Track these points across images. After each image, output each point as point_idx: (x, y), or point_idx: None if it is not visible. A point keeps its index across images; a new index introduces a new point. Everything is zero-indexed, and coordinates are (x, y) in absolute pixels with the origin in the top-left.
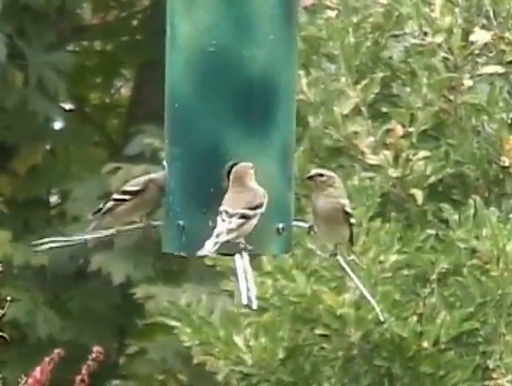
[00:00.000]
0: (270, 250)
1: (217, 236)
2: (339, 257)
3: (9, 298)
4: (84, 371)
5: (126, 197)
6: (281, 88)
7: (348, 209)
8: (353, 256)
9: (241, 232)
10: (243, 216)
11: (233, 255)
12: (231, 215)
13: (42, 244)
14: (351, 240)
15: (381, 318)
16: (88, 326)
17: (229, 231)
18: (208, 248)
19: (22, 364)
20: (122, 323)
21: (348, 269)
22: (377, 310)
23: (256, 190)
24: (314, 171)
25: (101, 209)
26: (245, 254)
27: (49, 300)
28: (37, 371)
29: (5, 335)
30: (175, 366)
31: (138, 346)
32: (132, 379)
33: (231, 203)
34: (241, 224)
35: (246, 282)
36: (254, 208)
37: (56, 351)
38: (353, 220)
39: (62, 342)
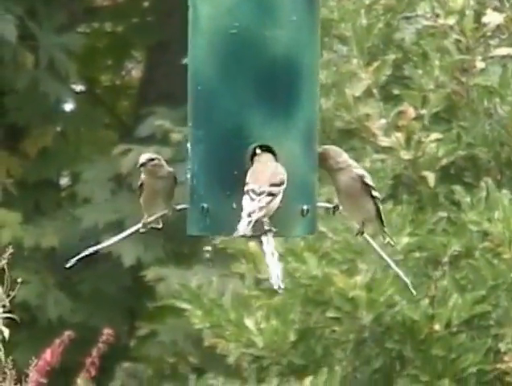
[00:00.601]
0: (295, 232)
1: (249, 215)
2: (366, 235)
3: (19, 280)
4: (94, 353)
5: (138, 192)
6: (304, 68)
7: (368, 181)
8: (388, 239)
9: (269, 210)
10: (270, 194)
11: (258, 237)
12: (259, 193)
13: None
14: (380, 218)
15: (414, 292)
16: (98, 309)
17: (260, 208)
18: (244, 227)
19: (32, 346)
20: (133, 306)
21: (376, 246)
22: (408, 283)
23: (277, 167)
24: (323, 147)
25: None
26: (270, 236)
27: (59, 282)
28: (47, 353)
29: (15, 317)
30: (186, 348)
31: (149, 328)
32: (142, 362)
33: (255, 180)
34: (269, 202)
35: (273, 264)
36: (279, 185)
37: (67, 333)
38: (375, 193)
39: (72, 325)
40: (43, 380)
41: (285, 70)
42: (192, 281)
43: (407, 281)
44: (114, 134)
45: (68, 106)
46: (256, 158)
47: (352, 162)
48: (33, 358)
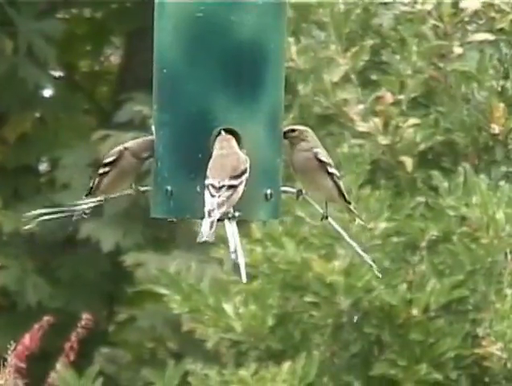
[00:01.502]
0: (258, 216)
1: (210, 214)
2: (330, 219)
3: None
4: (73, 338)
5: (106, 169)
6: (270, 53)
7: (323, 157)
8: (358, 219)
9: (230, 203)
10: (230, 187)
11: (221, 221)
12: (219, 188)
13: (33, 215)
14: (342, 196)
15: (379, 275)
16: (77, 294)
17: (220, 205)
18: (207, 230)
19: (11, 331)
20: (112, 291)
21: (340, 230)
22: (374, 267)
23: (239, 154)
24: (286, 128)
25: (92, 188)
26: (233, 221)
27: (38, 267)
28: (26, 338)
29: None
30: (165, 334)
31: (128, 313)
32: (121, 347)
33: (216, 172)
34: (230, 195)
35: (235, 249)
36: (240, 176)
37: (46, 318)
38: (332, 170)
39: (51, 310)
40: (22, 365)
41: (250, 54)
42: (171, 267)
43: (373, 264)
44: (93, 120)
45: (47, 92)
46: (217, 145)
47: (313, 143)
48: (12, 343)
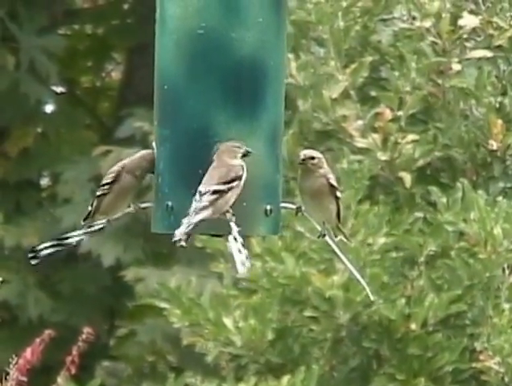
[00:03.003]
0: (258, 231)
1: (189, 217)
2: (327, 238)
3: (0, 280)
4: (74, 351)
5: (105, 190)
6: (270, 70)
7: (334, 182)
8: (340, 236)
9: (217, 208)
10: (215, 192)
11: (221, 236)
12: (203, 194)
13: (38, 250)
14: (338, 217)
15: (372, 298)
16: (78, 308)
17: (201, 209)
18: (181, 231)
19: (12, 345)
20: (112, 305)
21: (337, 250)
22: (367, 289)
23: (232, 165)
24: (304, 154)
25: (90, 212)
26: (235, 231)
27: (40, 281)
28: (28, 352)
29: None
30: (165, 347)
31: (128, 328)
32: (122, 361)
33: (205, 181)
34: (214, 200)
35: (239, 252)
36: (229, 182)
37: (47, 332)
38: (339, 194)
39: (52, 324)
40: (24, 379)
41: (251, 71)
42: (171, 281)
43: (365, 285)
44: (95, 135)
45: (49, 107)
46: (217, 153)
47: (327, 167)
48: (13, 356)
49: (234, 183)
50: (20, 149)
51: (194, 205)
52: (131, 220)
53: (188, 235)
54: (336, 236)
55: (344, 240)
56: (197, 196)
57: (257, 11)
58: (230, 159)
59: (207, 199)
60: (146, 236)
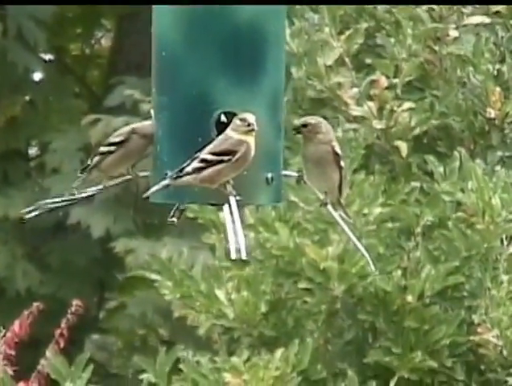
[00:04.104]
0: (260, 200)
1: (168, 178)
2: (329, 207)
3: None
4: (63, 325)
5: (112, 148)
6: (270, 35)
7: (338, 150)
8: (340, 212)
9: (203, 177)
10: (202, 160)
11: (221, 205)
12: (192, 159)
13: (31, 210)
14: (340, 190)
15: (373, 268)
16: (67, 280)
17: (186, 173)
18: (153, 190)
19: (0, 318)
20: (102, 277)
21: (338, 219)
22: (369, 259)
23: (230, 138)
24: (298, 122)
25: (89, 165)
26: (233, 204)
27: (28, 253)
28: (16, 325)
29: None
30: (156, 320)
31: (118, 300)
32: (112, 334)
33: (202, 150)
34: (200, 168)
35: (235, 233)
36: (218, 154)
37: (35, 304)
38: (342, 163)
39: (41, 296)
40: (12, 352)
41: (250, 37)
42: (162, 252)
43: (367, 256)
44: (84, 104)
45: (37, 75)
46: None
47: (324, 131)
48: (1, 329)
49: (226, 157)
50: (8, 118)
51: (181, 167)
52: (121, 190)
53: (181, 210)
54: (335, 211)
55: (344, 216)
56: (188, 160)
57: None
58: (232, 132)
59: (192, 165)
60: (137, 206)
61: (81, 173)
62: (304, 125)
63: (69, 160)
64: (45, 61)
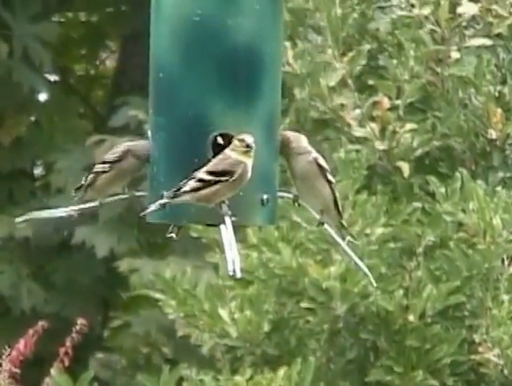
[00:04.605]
0: (255, 221)
1: (167, 197)
2: (326, 226)
3: None
4: (68, 343)
5: (106, 167)
6: (266, 58)
7: (322, 162)
8: (348, 237)
9: (200, 197)
10: (200, 180)
11: (217, 225)
12: (190, 179)
13: (25, 219)
14: (337, 207)
15: (374, 284)
16: (71, 299)
17: (181, 193)
18: (151, 208)
19: (5, 337)
20: (106, 296)
21: (337, 238)
22: (370, 276)
23: (229, 158)
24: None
25: (83, 185)
26: (229, 224)
27: (33, 272)
28: (21, 344)
29: None
30: (160, 339)
31: (122, 319)
32: (116, 352)
33: (200, 169)
34: (197, 188)
35: (230, 253)
36: (216, 174)
37: (40, 323)
38: (330, 177)
39: (46, 315)
40: (17, 370)
41: (247, 58)
42: (166, 272)
43: (368, 272)
44: (88, 124)
45: (42, 96)
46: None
47: (309, 147)
48: (6, 348)
49: (223, 177)
50: (13, 138)
51: (178, 186)
52: (125, 210)
53: (179, 227)
54: (343, 238)
55: (351, 238)
56: (185, 180)
57: None
58: (231, 152)
59: (190, 184)
60: (141, 226)
61: (75, 191)
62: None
63: (74, 180)
64: (50, 81)
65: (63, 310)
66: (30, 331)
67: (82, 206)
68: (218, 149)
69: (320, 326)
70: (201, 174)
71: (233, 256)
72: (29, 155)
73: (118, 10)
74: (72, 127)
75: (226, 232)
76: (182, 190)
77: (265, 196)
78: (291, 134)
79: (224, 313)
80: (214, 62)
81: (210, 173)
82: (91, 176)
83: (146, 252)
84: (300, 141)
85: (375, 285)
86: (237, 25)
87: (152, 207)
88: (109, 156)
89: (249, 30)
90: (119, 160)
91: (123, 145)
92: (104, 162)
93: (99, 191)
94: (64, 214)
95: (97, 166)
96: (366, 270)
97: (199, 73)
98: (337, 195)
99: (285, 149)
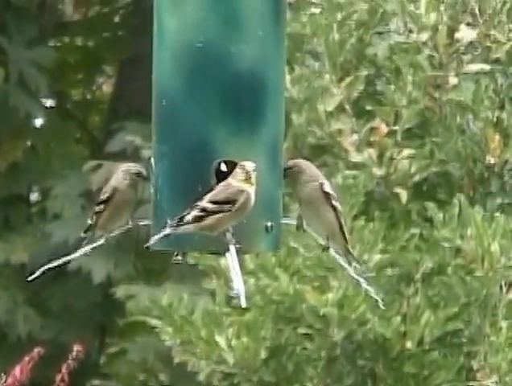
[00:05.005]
0: (259, 248)
1: (170, 227)
2: (331, 251)
3: None
4: (64, 369)
5: (102, 207)
6: (269, 84)
7: (327, 188)
8: (356, 264)
9: (204, 226)
10: (202, 209)
11: (221, 253)
12: (193, 208)
13: (36, 273)
14: (342, 233)
15: (381, 306)
16: (68, 325)
17: (186, 222)
18: (154, 239)
19: (1, 363)
20: (103, 322)
21: (342, 262)
22: (378, 298)
23: (231, 187)
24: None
25: (91, 225)
26: (233, 252)
27: (29, 298)
28: (17, 370)
29: None
30: (156, 366)
31: (119, 345)
32: (113, 379)
33: (202, 197)
34: (199, 217)
35: (233, 279)
36: (219, 203)
37: (36, 349)
38: (335, 203)
39: (42, 341)
40: None
41: (250, 84)
42: (163, 298)
43: (376, 297)
44: (85, 149)
45: (39, 121)
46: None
47: (320, 174)
48: (2, 374)
49: (226, 206)
50: (9, 163)
51: (181, 216)
52: (122, 236)
53: (184, 252)
54: (349, 263)
55: (356, 264)
56: (189, 209)
57: (256, 24)
58: (233, 180)
59: (193, 214)
60: (138, 252)
61: (85, 233)
62: (287, 168)
63: (70, 206)
64: (46, 107)
65: (59, 336)
66: (27, 357)
67: (91, 246)
68: (222, 176)
69: (318, 353)
70: (204, 203)
71: (238, 285)
72: (25, 180)
73: (115, 34)
74: (68, 152)
75: (231, 259)
76: (185, 219)
77: (269, 223)
78: (303, 163)
79: (221, 339)
80: (217, 88)
81: (212, 202)
82: (94, 217)
83: (143, 278)
84: (311, 169)
85: (383, 307)
86: (240, 51)
87: (156, 237)
88: (102, 195)
89: (252, 57)
90: (111, 197)
91: (108, 184)
92: (99, 203)
93: (104, 228)
94: (76, 256)
95: (96, 206)
96: (374, 293)
97: (202, 100)
98: (343, 221)
99: (296, 178)
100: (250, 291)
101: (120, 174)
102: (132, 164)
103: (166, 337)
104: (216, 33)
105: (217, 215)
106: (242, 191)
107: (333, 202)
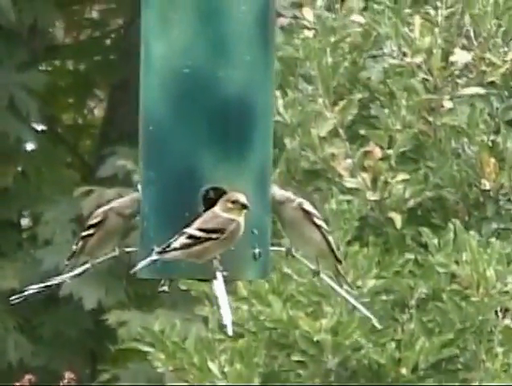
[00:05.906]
0: (247, 275)
1: (155, 253)
2: (322, 275)
3: None
4: None
5: (91, 231)
6: (258, 109)
7: (307, 207)
8: (342, 282)
9: (190, 254)
10: (190, 236)
11: (208, 280)
12: (180, 235)
13: (20, 297)
14: (332, 252)
15: (378, 326)
16: (59, 352)
17: (173, 249)
18: (141, 265)
19: None
20: (94, 349)
21: (334, 285)
22: (374, 320)
23: (219, 217)
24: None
25: (75, 252)
26: (220, 279)
27: (20, 325)
28: None
29: None
30: None
31: (111, 372)
32: None
33: (190, 224)
34: (187, 245)
35: (220, 307)
36: (207, 231)
37: (27, 376)
38: (319, 222)
39: (33, 368)
40: None
41: (238, 110)
42: (155, 325)
43: (372, 317)
44: (76, 174)
45: (29, 145)
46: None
47: (292, 195)
48: None
49: (214, 234)
50: (0, 188)
51: (168, 242)
52: (114, 262)
53: (171, 280)
54: (340, 285)
55: (347, 286)
56: (176, 235)
57: (244, 49)
58: (221, 210)
59: (180, 241)
60: (129, 278)
61: (68, 260)
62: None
63: (61, 231)
64: (37, 131)
65: (50, 363)
66: (17, 385)
67: (75, 272)
68: (209, 202)
69: (312, 380)
70: (192, 230)
71: (225, 313)
72: (16, 206)
73: (106, 58)
74: (59, 177)
75: (218, 287)
76: (172, 246)
77: (257, 250)
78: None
79: (213, 366)
80: (205, 114)
81: (201, 230)
82: (81, 242)
83: (135, 304)
84: (279, 190)
85: (379, 327)
86: (228, 76)
87: (142, 264)
88: (92, 219)
89: (239, 82)
90: (103, 221)
91: (105, 206)
92: (88, 227)
93: (90, 254)
94: (57, 282)
95: (83, 231)
96: (369, 314)
97: (189, 126)
98: (331, 239)
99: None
100: (244, 317)
101: (118, 200)
102: (122, 198)
103: (158, 364)
104: (204, 58)
105: (205, 243)
106: (232, 221)
107: (316, 221)
